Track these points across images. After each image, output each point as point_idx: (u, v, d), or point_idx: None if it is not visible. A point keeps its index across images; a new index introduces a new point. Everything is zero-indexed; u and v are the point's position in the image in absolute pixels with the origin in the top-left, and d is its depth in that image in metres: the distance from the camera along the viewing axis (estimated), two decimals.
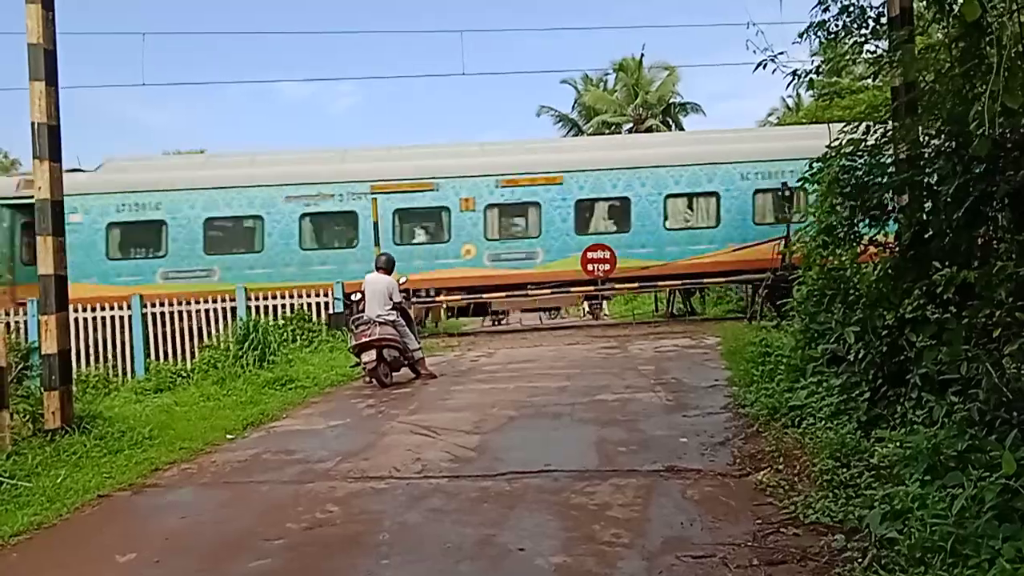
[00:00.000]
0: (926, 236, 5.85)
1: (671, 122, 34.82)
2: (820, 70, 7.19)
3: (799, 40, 7.10)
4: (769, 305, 14.24)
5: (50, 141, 7.39)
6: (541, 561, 3.92)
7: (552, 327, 18.27)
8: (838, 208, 6.66)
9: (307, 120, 69.86)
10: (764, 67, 6.45)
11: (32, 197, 7.87)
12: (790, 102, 33.25)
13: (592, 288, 17.10)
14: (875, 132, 6.43)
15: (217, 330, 13.96)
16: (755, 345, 9.18)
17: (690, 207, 17.04)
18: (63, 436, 7.05)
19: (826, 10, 6.81)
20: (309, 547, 4.34)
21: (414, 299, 15.29)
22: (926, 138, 6.02)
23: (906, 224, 6.05)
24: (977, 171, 5.11)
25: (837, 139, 6.69)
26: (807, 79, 6.75)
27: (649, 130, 32.65)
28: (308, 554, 4.25)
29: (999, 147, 4.76)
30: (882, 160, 6.40)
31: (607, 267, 16.37)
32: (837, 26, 6.90)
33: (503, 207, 16.84)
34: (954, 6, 5.47)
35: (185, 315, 14.29)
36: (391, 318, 10.25)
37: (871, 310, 5.86)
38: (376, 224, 15.41)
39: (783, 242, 14.79)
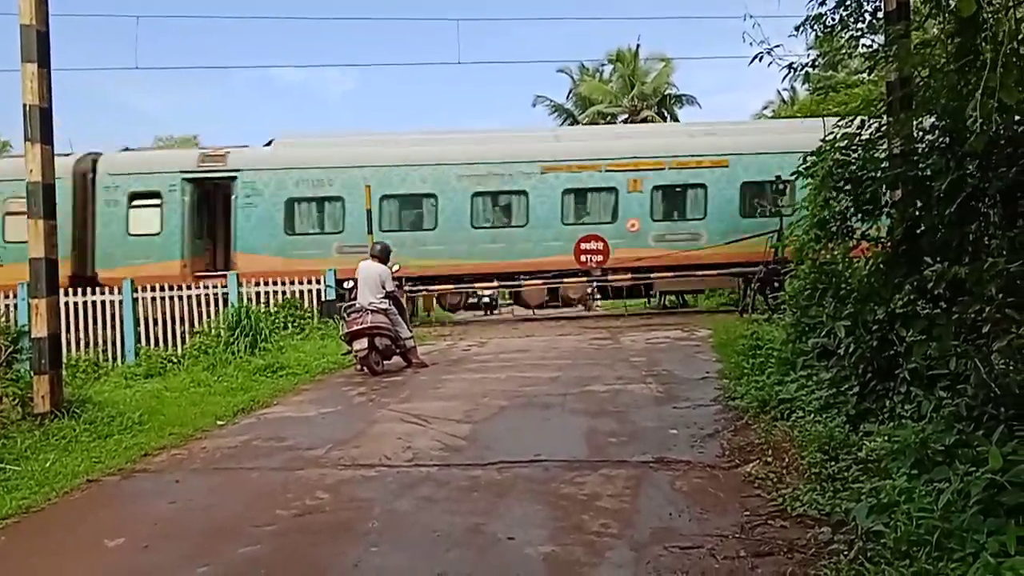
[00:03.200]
0: (918, 231, 5.86)
1: (666, 113, 34.80)
2: (816, 64, 7.18)
3: (795, 33, 7.09)
4: (761, 298, 14.29)
5: (42, 124, 7.35)
6: (530, 550, 3.93)
7: (544, 317, 18.28)
8: (831, 202, 6.66)
9: (302, 106, 69.48)
10: (760, 60, 6.43)
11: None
12: (785, 95, 33.28)
13: None
14: (869, 126, 6.43)
15: (208, 316, 13.91)
16: (746, 338, 9.20)
17: None
18: (52, 420, 7.04)
19: (823, 3, 6.80)
20: (298, 534, 4.35)
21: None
22: (920, 133, 6.02)
23: (899, 219, 6.06)
24: (970, 167, 5.12)
25: (832, 132, 6.69)
26: (803, 72, 6.75)
27: (645, 121, 32.60)
28: (297, 541, 4.25)
29: (993, 143, 4.77)
30: (876, 155, 6.40)
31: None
32: (834, 20, 6.89)
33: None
34: (950, 1, 5.47)
35: (176, 300, 14.23)
36: (383, 306, 10.24)
37: (862, 305, 5.88)
38: (369, 212, 15.35)
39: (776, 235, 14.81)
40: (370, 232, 14.94)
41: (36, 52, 7.26)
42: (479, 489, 5.01)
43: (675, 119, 34.49)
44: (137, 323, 13.89)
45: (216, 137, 65.60)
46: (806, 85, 26.31)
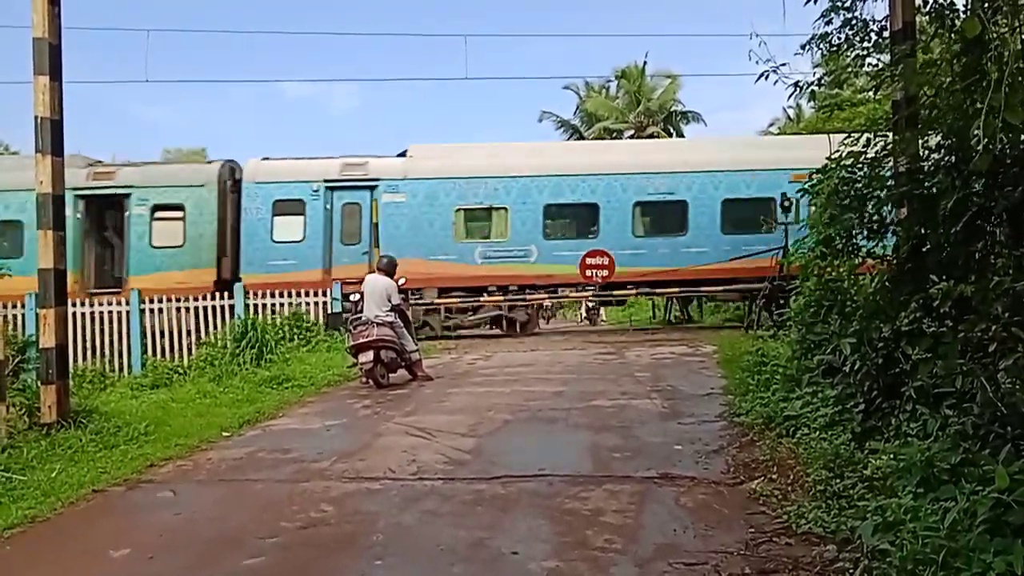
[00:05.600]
0: (924, 249, 5.87)
1: (672, 130, 34.88)
2: (822, 82, 7.22)
3: (801, 52, 7.15)
4: (767, 314, 14.27)
5: (53, 136, 7.40)
6: (534, 565, 3.93)
7: (549, 331, 18.28)
8: (837, 220, 6.68)
9: (309, 120, 69.80)
10: (766, 78, 6.49)
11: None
12: (791, 113, 33.36)
13: None
14: (875, 145, 6.46)
15: (215, 327, 13.96)
16: (751, 354, 9.19)
17: None
18: (59, 430, 7.06)
19: (829, 23, 6.86)
20: (303, 546, 4.35)
21: None
22: (926, 152, 6.05)
23: (904, 237, 6.07)
24: (976, 186, 5.13)
25: (838, 150, 6.72)
26: (808, 90, 6.79)
27: (651, 137, 32.67)
28: (302, 553, 4.25)
29: (998, 163, 4.78)
30: (882, 173, 6.43)
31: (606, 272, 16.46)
32: (840, 39, 6.95)
33: None
34: (956, 22, 5.51)
35: (183, 311, 14.29)
36: (389, 319, 10.25)
37: (868, 322, 5.88)
38: (376, 225, 15.41)
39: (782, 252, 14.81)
40: (376, 246, 15.00)
41: (48, 64, 7.34)
42: (483, 503, 5.01)
43: (680, 136, 34.57)
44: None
45: (223, 150, 65.89)
46: (812, 103, 26.37)
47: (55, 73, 7.41)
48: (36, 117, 7.38)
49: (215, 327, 13.95)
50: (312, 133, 70.09)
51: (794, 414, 6.22)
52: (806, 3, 6.87)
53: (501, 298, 16.75)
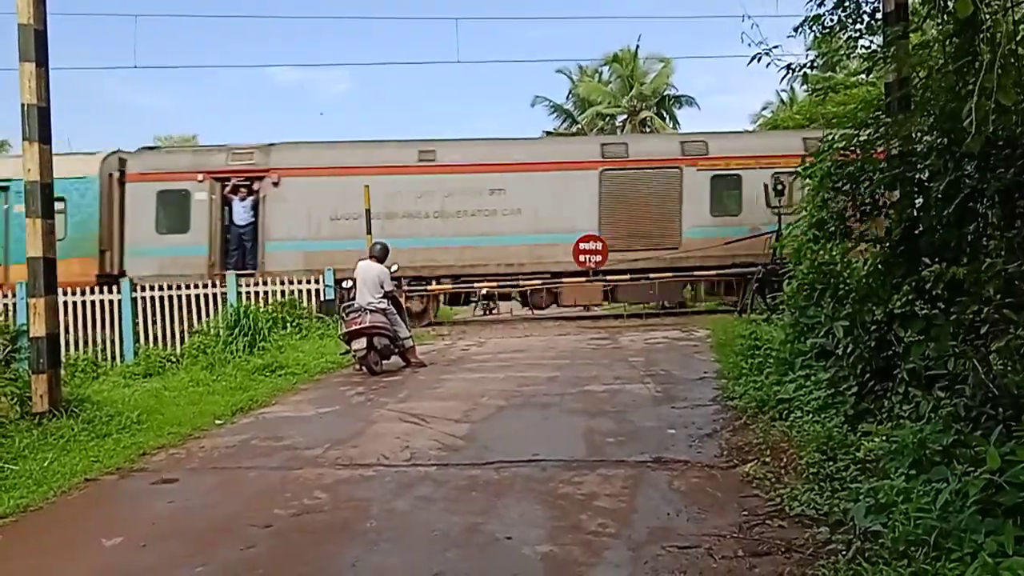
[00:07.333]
0: (916, 232, 5.87)
1: (665, 114, 34.78)
2: (814, 65, 7.18)
3: (794, 34, 7.10)
4: (760, 298, 14.30)
5: (40, 123, 7.32)
6: (528, 550, 3.94)
7: (543, 317, 18.27)
8: (830, 203, 6.67)
9: (299, 106, 69.31)
10: (758, 60, 6.45)
11: None
12: (784, 96, 33.28)
13: None
14: (868, 127, 6.43)
15: (207, 316, 13.90)
16: (745, 338, 9.21)
17: None
18: (51, 419, 7.03)
19: (821, 4, 6.81)
20: (297, 533, 4.35)
21: None
22: (918, 134, 6.03)
23: (897, 220, 6.07)
24: (968, 168, 5.12)
25: (830, 133, 6.70)
26: (801, 73, 6.76)
27: (644, 122, 32.57)
28: (296, 540, 4.25)
29: (990, 144, 4.76)
30: (874, 155, 6.40)
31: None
32: (832, 21, 6.90)
33: None
34: (948, 2, 5.48)
35: (175, 300, 14.21)
36: (382, 306, 10.25)
37: (860, 305, 5.88)
38: (368, 211, 15.33)
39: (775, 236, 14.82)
40: (368, 232, 14.94)
41: (34, 51, 7.25)
42: (477, 489, 5.01)
43: (674, 120, 34.48)
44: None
45: (212, 136, 65.51)
46: (805, 86, 26.32)
47: (41, 60, 7.33)
48: (23, 104, 7.30)
49: (207, 315, 13.89)
50: (303, 119, 69.55)
51: (787, 397, 6.24)
52: None
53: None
